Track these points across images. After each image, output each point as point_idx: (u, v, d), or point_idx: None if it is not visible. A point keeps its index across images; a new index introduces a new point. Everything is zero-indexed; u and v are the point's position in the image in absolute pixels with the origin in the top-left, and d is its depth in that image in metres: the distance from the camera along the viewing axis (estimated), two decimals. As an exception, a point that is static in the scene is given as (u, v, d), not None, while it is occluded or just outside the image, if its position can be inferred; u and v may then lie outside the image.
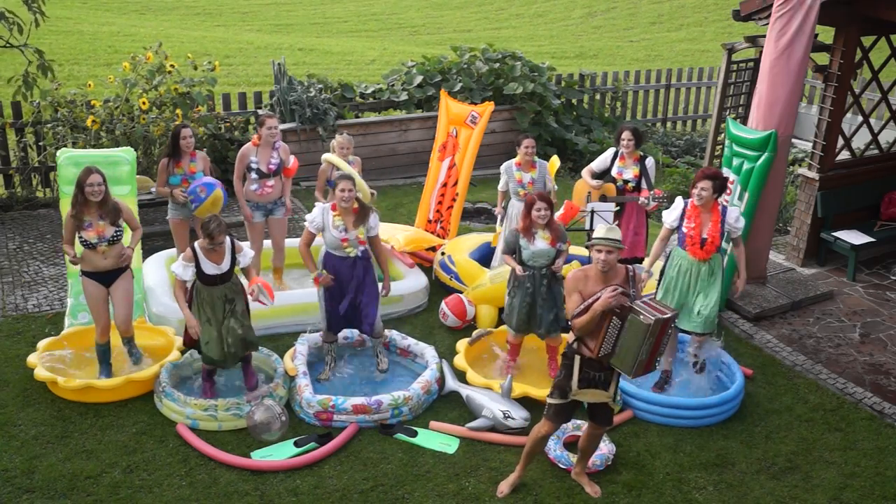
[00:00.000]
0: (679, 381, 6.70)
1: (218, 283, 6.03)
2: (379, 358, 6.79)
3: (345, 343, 6.99)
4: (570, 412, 5.30)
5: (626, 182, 7.67)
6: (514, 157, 7.78)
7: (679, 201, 6.47)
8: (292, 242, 8.38)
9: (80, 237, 6.12)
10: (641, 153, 7.70)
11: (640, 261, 7.85)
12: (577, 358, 5.11)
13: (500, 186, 7.94)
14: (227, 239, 6.05)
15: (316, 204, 6.55)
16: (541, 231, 6.39)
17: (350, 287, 6.43)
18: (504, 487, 5.48)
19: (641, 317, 4.81)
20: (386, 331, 6.91)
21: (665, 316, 4.84)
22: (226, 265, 6.03)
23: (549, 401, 5.29)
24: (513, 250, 6.49)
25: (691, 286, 6.38)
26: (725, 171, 8.03)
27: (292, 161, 7.78)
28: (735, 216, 6.41)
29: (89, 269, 6.23)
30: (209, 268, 5.97)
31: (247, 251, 6.23)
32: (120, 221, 6.20)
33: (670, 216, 6.47)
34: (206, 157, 7.74)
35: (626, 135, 7.58)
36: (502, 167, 7.88)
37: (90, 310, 6.37)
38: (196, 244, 6.00)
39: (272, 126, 7.48)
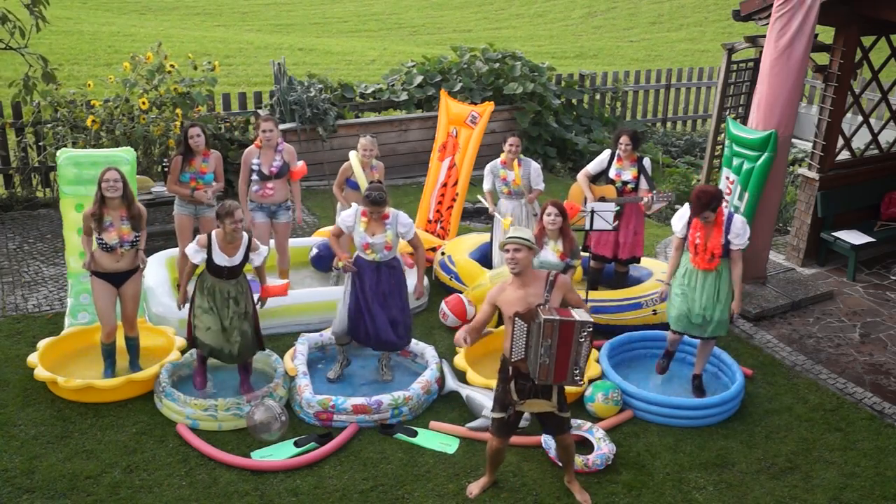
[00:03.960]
0: (679, 382, 6.72)
1: (224, 277, 6.02)
2: (384, 370, 6.74)
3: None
4: (515, 424, 5.27)
5: (625, 183, 7.66)
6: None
7: (686, 209, 6.35)
8: (294, 243, 8.38)
9: (100, 238, 6.09)
10: (639, 154, 7.70)
11: (639, 260, 7.86)
12: (510, 369, 5.06)
13: (486, 187, 7.96)
14: (245, 236, 6.05)
15: (353, 204, 6.54)
16: (553, 242, 6.36)
17: (373, 292, 6.36)
18: (474, 489, 5.47)
19: (537, 318, 4.80)
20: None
21: (564, 318, 4.78)
22: (237, 259, 6.02)
23: (492, 415, 5.27)
24: None
25: (699, 291, 6.28)
26: (725, 171, 8.04)
27: (300, 164, 7.71)
28: (741, 228, 6.18)
29: (100, 270, 6.22)
30: (220, 259, 5.96)
31: (262, 250, 6.20)
32: (140, 227, 6.20)
33: (678, 225, 6.41)
34: (220, 158, 7.69)
35: (623, 139, 7.57)
36: (486, 168, 7.91)
37: (97, 310, 6.34)
38: (213, 233, 6.00)
39: (266, 129, 7.42)
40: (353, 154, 7.84)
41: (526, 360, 4.96)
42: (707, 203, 6.07)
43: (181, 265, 6.09)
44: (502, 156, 7.79)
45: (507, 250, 5.01)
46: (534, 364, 4.90)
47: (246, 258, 6.08)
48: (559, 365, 4.88)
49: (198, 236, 6.07)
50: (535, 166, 7.87)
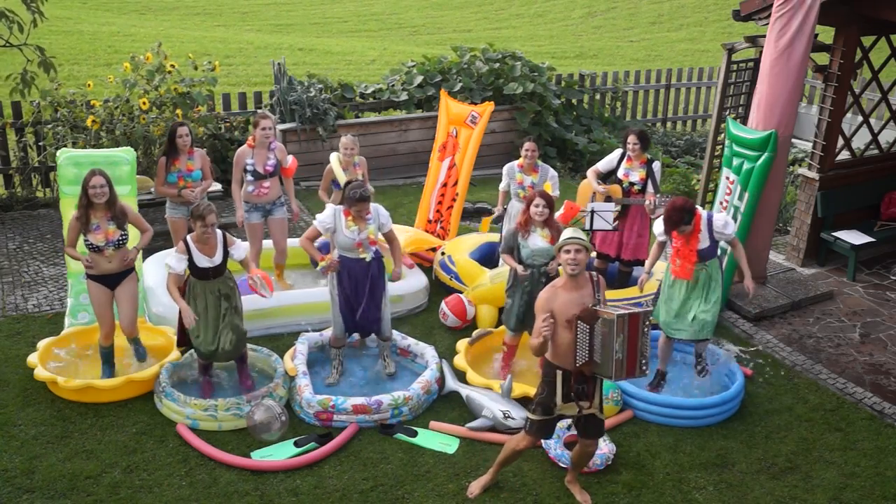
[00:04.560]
0: (683, 384, 6.71)
1: (211, 277, 6.05)
2: (386, 362, 6.75)
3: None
4: (553, 427, 5.26)
5: (632, 184, 7.66)
6: (516, 158, 7.82)
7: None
8: (293, 242, 8.39)
9: (87, 240, 6.11)
10: (649, 156, 7.69)
11: (643, 263, 7.85)
12: (559, 373, 5.01)
13: (502, 187, 7.97)
14: (219, 232, 6.07)
15: (327, 205, 6.53)
16: (539, 229, 6.38)
17: (365, 288, 6.40)
18: (475, 489, 5.46)
19: (606, 315, 4.78)
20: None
21: (631, 311, 4.80)
22: (218, 258, 6.05)
23: (532, 417, 5.18)
24: (511, 249, 6.49)
25: (688, 293, 6.34)
26: (725, 171, 8.04)
27: (290, 161, 7.74)
28: (722, 223, 6.33)
29: (94, 273, 6.23)
30: (202, 261, 6.00)
31: (239, 244, 6.24)
32: (126, 225, 6.21)
33: (659, 229, 6.45)
34: (206, 155, 7.73)
35: (632, 139, 7.57)
36: (504, 168, 7.90)
37: (95, 313, 6.36)
38: (188, 237, 6.03)
39: (266, 127, 7.43)
40: (333, 156, 7.86)
41: (591, 362, 4.89)
42: (678, 220, 6.12)
43: (173, 282, 6.10)
44: (520, 160, 7.78)
45: (569, 251, 4.90)
46: (608, 362, 4.83)
47: (226, 255, 6.10)
48: (629, 359, 4.87)
49: (177, 244, 6.10)
50: (552, 173, 7.84)
